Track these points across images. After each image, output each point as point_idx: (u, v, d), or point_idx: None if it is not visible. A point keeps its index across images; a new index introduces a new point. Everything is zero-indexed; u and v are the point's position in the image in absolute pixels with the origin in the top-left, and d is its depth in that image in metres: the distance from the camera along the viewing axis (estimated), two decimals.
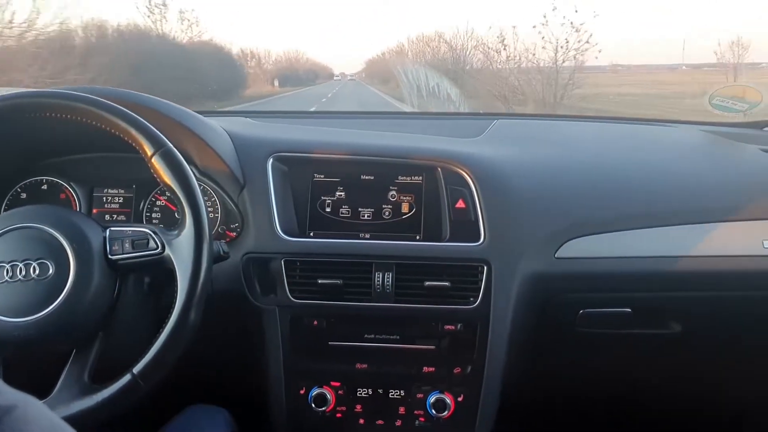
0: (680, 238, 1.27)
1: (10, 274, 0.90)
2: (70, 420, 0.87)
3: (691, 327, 1.36)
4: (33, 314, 0.89)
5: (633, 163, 1.44)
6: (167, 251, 0.95)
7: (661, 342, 1.42)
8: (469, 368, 1.26)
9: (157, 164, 0.95)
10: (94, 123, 0.96)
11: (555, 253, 1.25)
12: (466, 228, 1.25)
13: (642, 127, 1.80)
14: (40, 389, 0.88)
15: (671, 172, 1.42)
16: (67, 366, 0.92)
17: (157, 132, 0.96)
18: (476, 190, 1.25)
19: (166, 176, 0.95)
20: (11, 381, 0.92)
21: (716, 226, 1.29)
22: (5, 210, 1.30)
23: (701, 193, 1.35)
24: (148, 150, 0.95)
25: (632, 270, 1.27)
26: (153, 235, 0.96)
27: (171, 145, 0.96)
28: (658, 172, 1.41)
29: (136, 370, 0.90)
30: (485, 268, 1.22)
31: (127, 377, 0.90)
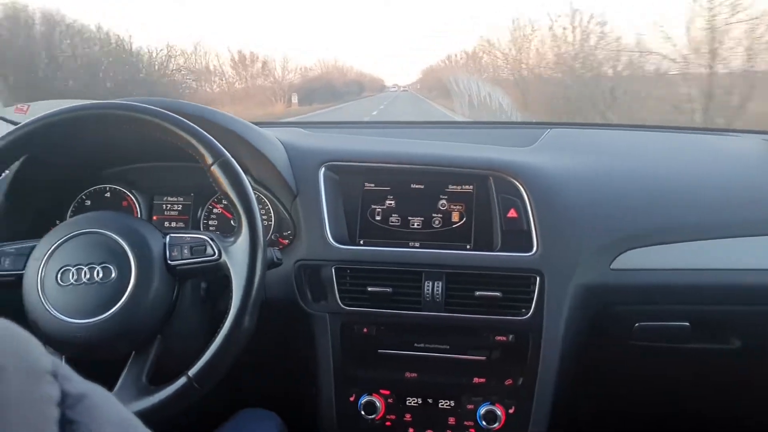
0: (740, 251, 1.23)
1: (75, 277, 0.94)
2: None
3: (751, 342, 1.31)
4: (96, 316, 0.92)
5: (691, 173, 1.40)
6: (224, 257, 0.97)
7: (719, 357, 1.37)
8: (520, 380, 1.24)
9: (216, 174, 0.98)
10: (157, 134, 0.99)
11: (610, 264, 1.22)
12: (518, 238, 1.23)
13: (701, 136, 1.75)
14: None
15: (731, 182, 1.37)
16: (126, 367, 0.95)
17: (217, 143, 0.99)
18: (529, 199, 1.24)
19: (224, 185, 0.98)
20: None
21: None
22: (71, 216, 1.36)
23: (762, 205, 1.30)
24: (208, 160, 0.98)
25: (690, 282, 1.23)
26: (210, 241, 0.99)
27: (229, 155, 0.99)
28: (717, 182, 1.36)
29: (191, 373, 0.92)
30: (538, 279, 1.20)
31: (183, 380, 0.92)
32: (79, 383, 0.38)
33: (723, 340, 1.32)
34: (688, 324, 1.26)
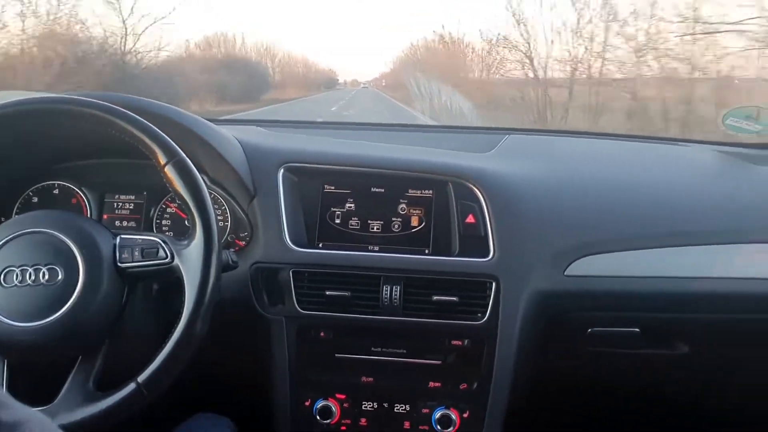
0: (690, 259, 1.26)
1: (19, 278, 0.90)
2: (74, 427, 0.87)
3: (699, 348, 1.35)
4: (41, 319, 0.89)
5: (645, 182, 1.43)
6: (176, 261, 0.95)
7: (669, 362, 1.41)
8: (475, 384, 1.25)
9: (170, 174, 0.96)
10: (108, 130, 0.96)
11: (564, 270, 1.24)
12: (475, 243, 1.24)
13: (655, 145, 1.79)
14: (45, 395, 0.88)
15: (683, 192, 1.41)
16: (73, 372, 0.92)
17: (171, 141, 0.97)
18: (486, 205, 1.25)
19: (178, 186, 0.95)
20: (16, 386, 0.93)
21: (726, 248, 1.28)
22: (17, 214, 1.31)
23: (712, 215, 1.34)
24: (162, 159, 0.96)
25: (641, 290, 1.26)
26: (163, 244, 0.96)
27: (184, 155, 0.97)
28: (669, 191, 1.40)
29: (140, 379, 0.90)
30: (494, 284, 1.21)
31: (131, 386, 0.90)
32: (15, 410, 0.36)
33: (671, 346, 1.35)
34: (638, 330, 1.29)
